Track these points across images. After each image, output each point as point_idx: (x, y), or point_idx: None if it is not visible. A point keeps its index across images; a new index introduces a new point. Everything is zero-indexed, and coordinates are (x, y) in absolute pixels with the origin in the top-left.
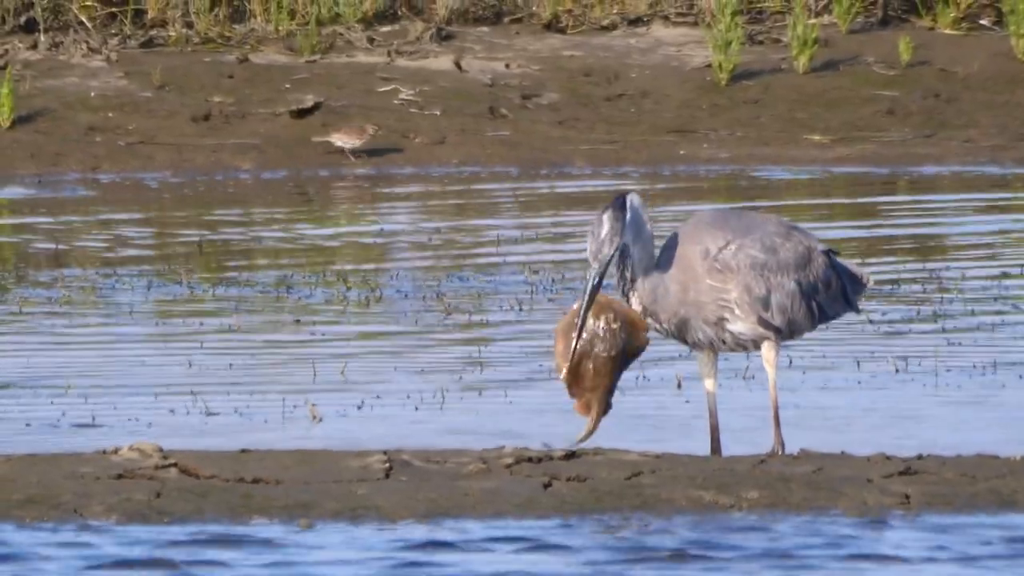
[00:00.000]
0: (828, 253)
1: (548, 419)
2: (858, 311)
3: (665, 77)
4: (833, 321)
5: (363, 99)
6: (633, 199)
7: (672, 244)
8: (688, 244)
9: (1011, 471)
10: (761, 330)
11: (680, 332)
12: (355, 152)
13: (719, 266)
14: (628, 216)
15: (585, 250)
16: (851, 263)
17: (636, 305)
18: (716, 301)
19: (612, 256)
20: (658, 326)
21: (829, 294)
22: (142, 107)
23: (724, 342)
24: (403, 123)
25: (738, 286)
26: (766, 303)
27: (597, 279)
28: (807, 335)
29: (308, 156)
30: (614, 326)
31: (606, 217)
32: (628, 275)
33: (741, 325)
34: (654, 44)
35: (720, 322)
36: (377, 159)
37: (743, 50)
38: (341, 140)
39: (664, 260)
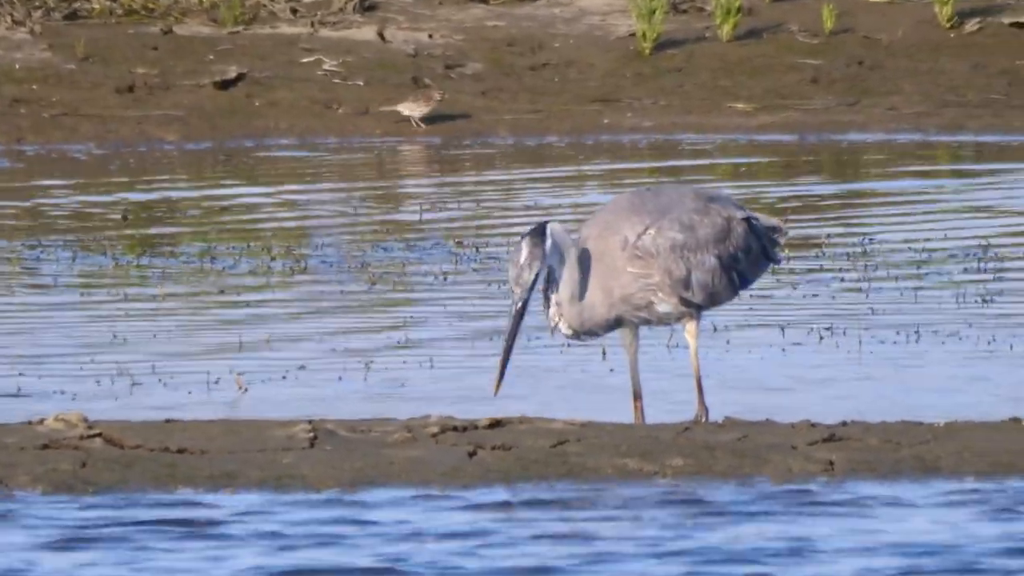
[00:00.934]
0: (748, 220)
1: (473, 388)
2: (779, 261)
3: (589, 46)
4: (754, 284)
5: (286, 70)
6: (553, 227)
7: (585, 255)
8: (605, 237)
9: (934, 437)
10: (683, 308)
11: (615, 327)
12: (423, 120)
13: (639, 253)
14: (548, 243)
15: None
16: (767, 218)
17: (567, 330)
18: (642, 288)
19: (533, 281)
20: (592, 338)
21: (749, 259)
22: (66, 79)
23: (654, 321)
24: (326, 94)
25: (659, 270)
26: (687, 283)
27: (520, 304)
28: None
29: (232, 127)
30: None
31: (524, 243)
32: (554, 299)
33: (665, 306)
34: (578, 14)
35: (649, 305)
36: (300, 131)
37: (667, 19)
38: (408, 109)
39: (582, 281)
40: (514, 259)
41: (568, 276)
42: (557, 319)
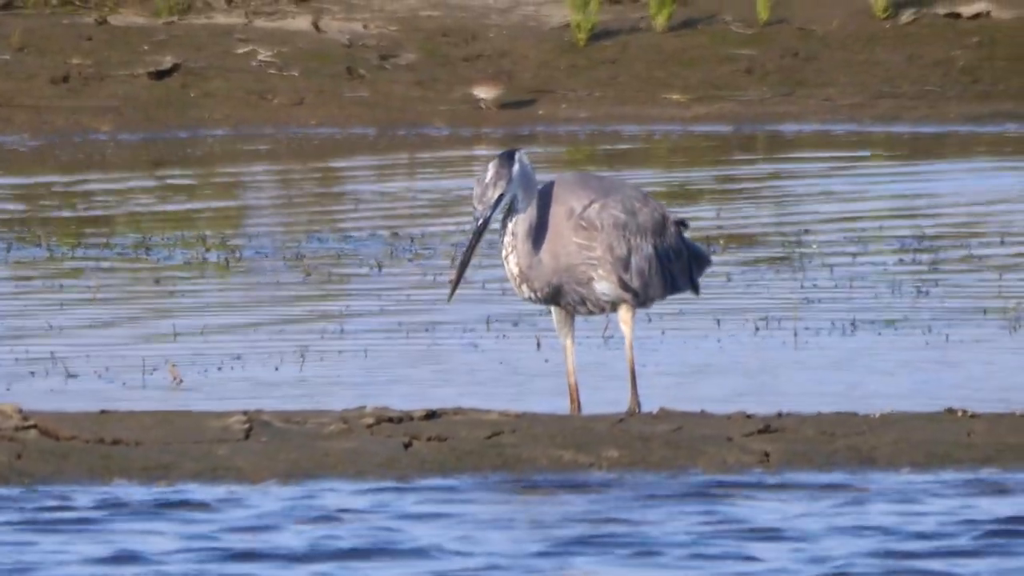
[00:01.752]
0: (679, 224)
1: (408, 379)
2: (698, 291)
3: (523, 37)
4: (676, 295)
5: (221, 61)
6: (522, 155)
7: (541, 211)
8: (553, 206)
9: (870, 428)
10: (620, 291)
11: (554, 298)
12: (496, 103)
13: (584, 223)
14: (516, 168)
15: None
16: (698, 244)
17: (514, 267)
18: (584, 261)
19: (496, 201)
20: (532, 294)
21: (679, 264)
22: (1, 69)
23: (591, 302)
24: (261, 84)
25: (602, 244)
26: (626, 264)
27: (481, 221)
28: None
29: (167, 118)
30: None
31: (491, 164)
32: (511, 228)
33: (604, 285)
34: (512, 4)
35: (589, 282)
36: (235, 121)
37: (601, 9)
38: (482, 91)
39: (537, 235)
40: (480, 177)
41: (528, 212)
42: (510, 250)
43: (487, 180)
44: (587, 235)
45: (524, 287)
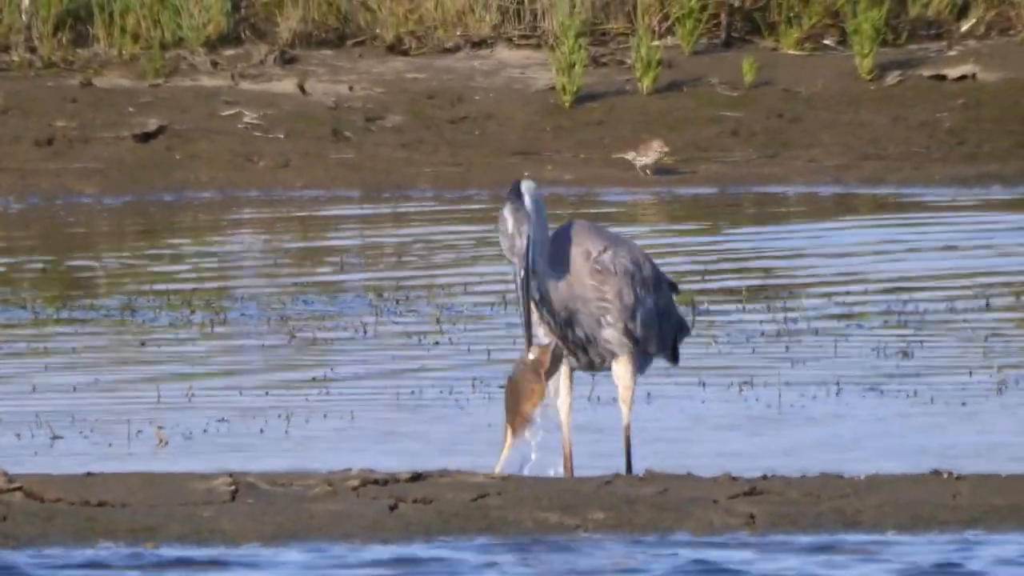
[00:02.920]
0: (670, 285)
1: (394, 441)
2: (677, 360)
3: (509, 99)
4: (659, 359)
5: (207, 123)
6: (528, 185)
7: (557, 245)
8: (572, 246)
9: (855, 491)
10: (625, 339)
11: (568, 325)
12: (647, 168)
13: (599, 267)
14: (527, 200)
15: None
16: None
17: (534, 291)
18: (597, 299)
19: (527, 246)
20: (551, 319)
21: (669, 325)
22: None
23: (593, 347)
24: (247, 147)
25: (613, 288)
26: (633, 313)
27: (523, 272)
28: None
29: (152, 180)
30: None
31: (507, 212)
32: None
33: (610, 332)
34: (498, 66)
35: (598, 322)
36: (221, 183)
37: (587, 72)
38: (635, 157)
39: (555, 261)
40: (502, 230)
41: (541, 237)
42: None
43: (511, 230)
44: (601, 278)
45: (544, 311)
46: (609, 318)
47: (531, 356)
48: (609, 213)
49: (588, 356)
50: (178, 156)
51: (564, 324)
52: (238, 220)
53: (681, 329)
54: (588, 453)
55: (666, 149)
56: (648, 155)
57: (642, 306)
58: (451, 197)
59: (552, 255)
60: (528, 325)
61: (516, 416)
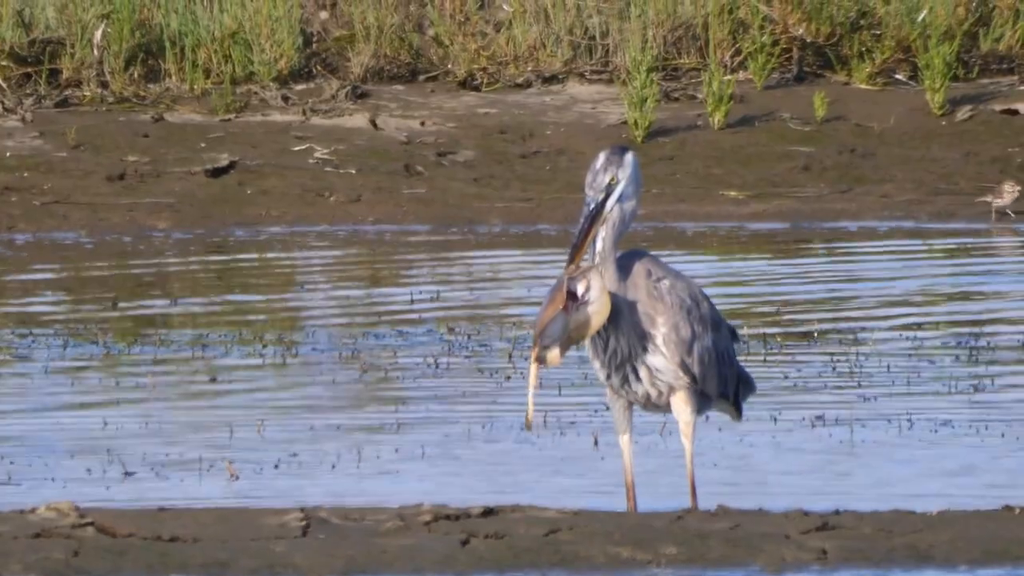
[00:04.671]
0: (731, 331)
1: (465, 475)
2: (741, 415)
3: (581, 135)
4: (721, 408)
5: (278, 158)
6: (633, 154)
7: (623, 259)
8: (636, 262)
9: (927, 526)
10: (681, 373)
11: (612, 322)
12: (1007, 210)
13: (656, 293)
14: (628, 157)
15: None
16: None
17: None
18: (647, 314)
19: (607, 187)
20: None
21: (731, 371)
22: (57, 167)
23: (645, 376)
24: (318, 182)
25: (667, 322)
26: (690, 347)
27: (594, 206)
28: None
29: (223, 215)
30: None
31: (602, 153)
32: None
33: (661, 361)
34: (569, 101)
35: (644, 339)
36: (292, 218)
37: (658, 107)
38: (996, 200)
39: (620, 268)
40: (591, 166)
41: (628, 206)
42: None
43: (598, 167)
44: (653, 304)
45: (577, 281)
46: (663, 349)
47: (568, 273)
48: (682, 247)
49: (643, 387)
50: (249, 191)
51: (606, 328)
52: (309, 254)
53: (745, 384)
54: (651, 488)
55: (1018, 188)
56: (1003, 197)
57: (699, 342)
58: (521, 232)
59: (618, 263)
60: (575, 251)
61: (537, 331)
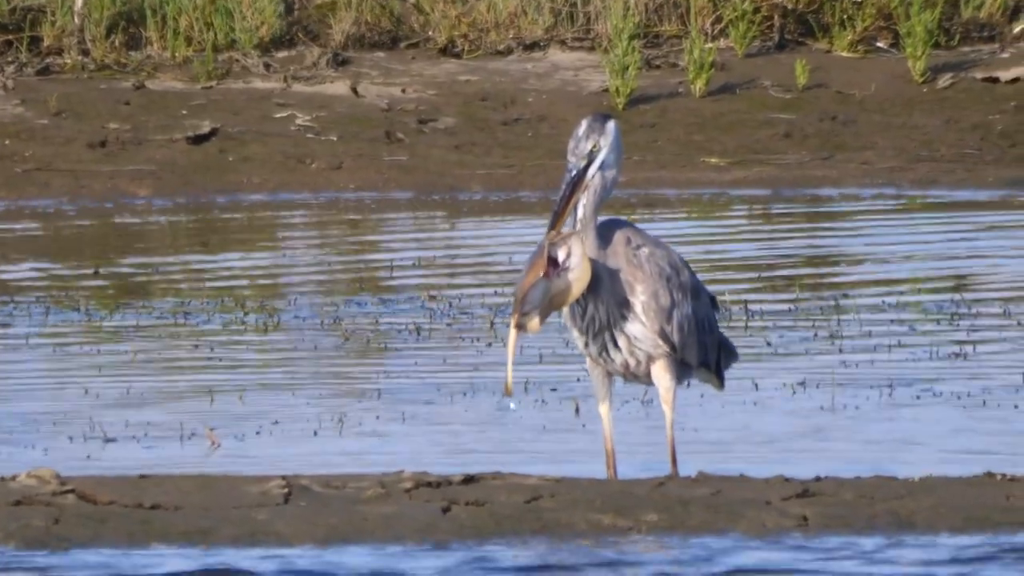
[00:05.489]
0: (711, 299)
1: (446, 443)
2: (722, 384)
3: (562, 102)
4: (701, 378)
5: (260, 125)
6: (615, 121)
7: (602, 227)
8: (615, 230)
9: (909, 492)
10: (660, 341)
11: (591, 290)
12: None
13: (635, 260)
14: (610, 125)
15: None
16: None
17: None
18: (627, 281)
19: (590, 154)
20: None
21: (711, 339)
22: (39, 134)
23: (624, 344)
24: (299, 149)
25: (647, 290)
26: (669, 315)
27: (575, 172)
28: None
29: (205, 182)
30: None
31: (585, 120)
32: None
33: (640, 329)
34: (551, 69)
35: (623, 306)
36: (273, 185)
37: (640, 74)
38: None
39: (599, 236)
40: (574, 133)
41: (610, 174)
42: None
43: (580, 133)
44: (632, 271)
45: (558, 247)
46: (643, 317)
47: (549, 239)
48: (663, 214)
49: (621, 355)
50: (231, 158)
51: (585, 296)
52: (291, 221)
53: (727, 353)
54: (633, 455)
55: None
56: None
57: (678, 310)
58: (503, 199)
59: (597, 231)
60: (556, 218)
61: (518, 298)
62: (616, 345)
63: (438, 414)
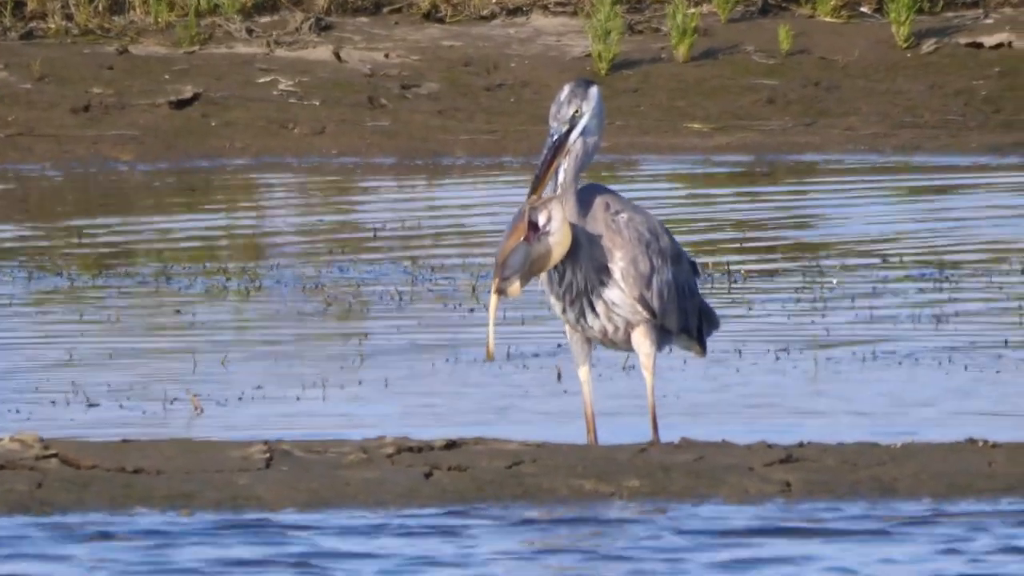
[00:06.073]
0: (692, 264)
1: (428, 408)
2: (704, 351)
3: (545, 67)
4: (683, 345)
5: (242, 90)
6: (597, 87)
7: (582, 193)
8: (595, 196)
9: (891, 458)
10: (639, 307)
11: (571, 255)
12: None
13: (614, 226)
14: (592, 91)
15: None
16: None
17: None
18: (606, 247)
19: (571, 119)
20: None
21: (692, 304)
22: (22, 99)
23: (602, 310)
24: (282, 114)
25: (625, 256)
26: (648, 281)
27: (557, 137)
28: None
29: (188, 147)
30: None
31: (566, 85)
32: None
33: (618, 295)
34: (533, 34)
35: (601, 272)
36: (256, 150)
37: (623, 40)
38: None
39: (579, 202)
40: (556, 98)
41: (592, 141)
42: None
43: (562, 98)
44: (612, 236)
45: (538, 211)
46: (622, 283)
47: (530, 204)
48: (647, 181)
49: (600, 322)
50: (213, 123)
51: (564, 261)
52: (273, 186)
53: (708, 319)
54: (615, 421)
55: None
56: None
57: (658, 275)
58: (486, 164)
59: (577, 197)
60: (536, 183)
61: (498, 262)
62: (594, 311)
63: (420, 379)
